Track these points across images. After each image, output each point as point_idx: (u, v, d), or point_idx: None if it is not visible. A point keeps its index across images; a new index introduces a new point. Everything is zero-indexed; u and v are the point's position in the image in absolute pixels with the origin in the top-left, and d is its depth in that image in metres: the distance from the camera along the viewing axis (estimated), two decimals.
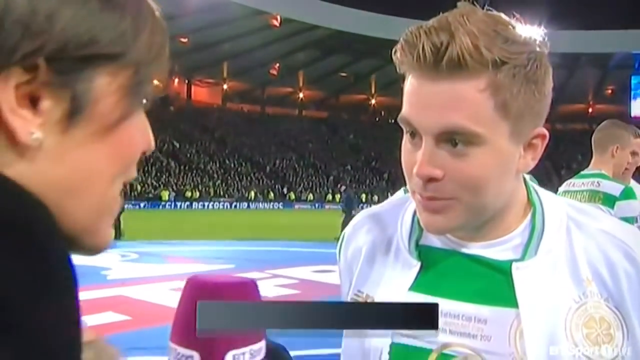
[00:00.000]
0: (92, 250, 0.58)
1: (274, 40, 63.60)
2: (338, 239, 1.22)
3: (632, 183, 3.71)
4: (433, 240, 1.06)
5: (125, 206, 18.99)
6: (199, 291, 0.58)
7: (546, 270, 0.97)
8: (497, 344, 0.95)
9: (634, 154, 3.63)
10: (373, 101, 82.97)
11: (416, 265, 1.04)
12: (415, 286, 1.03)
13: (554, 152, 64.78)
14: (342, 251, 1.18)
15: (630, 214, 3.38)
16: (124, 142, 0.56)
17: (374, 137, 72.28)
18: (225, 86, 74.55)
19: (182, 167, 55.71)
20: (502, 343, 0.95)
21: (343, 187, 26.92)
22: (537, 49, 0.93)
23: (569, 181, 3.80)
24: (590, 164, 3.73)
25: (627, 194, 3.48)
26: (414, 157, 0.94)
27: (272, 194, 57.82)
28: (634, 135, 3.64)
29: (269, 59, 69.28)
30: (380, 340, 1.02)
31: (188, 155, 58.29)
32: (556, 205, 1.04)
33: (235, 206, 52.75)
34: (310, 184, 62.63)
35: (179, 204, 48.95)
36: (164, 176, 52.21)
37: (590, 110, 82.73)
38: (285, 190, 59.72)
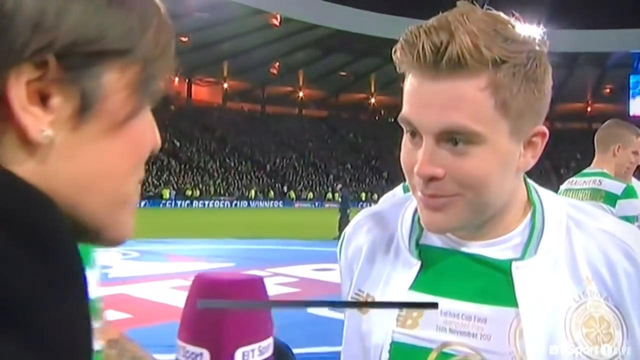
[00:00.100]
0: (113, 242, 0.58)
1: (274, 40, 63.54)
2: (336, 238, 1.23)
3: (634, 181, 3.72)
4: (433, 240, 1.06)
5: None
6: (206, 289, 0.58)
7: (546, 270, 0.97)
8: (496, 343, 0.95)
9: (635, 153, 3.64)
10: (373, 100, 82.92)
11: (416, 264, 1.04)
12: (416, 285, 1.03)
13: (553, 151, 64.73)
14: (342, 250, 1.18)
15: (631, 212, 3.39)
16: (134, 139, 0.56)
17: (373, 136, 72.28)
18: (225, 85, 74.48)
19: (182, 166, 55.68)
20: (502, 342, 0.95)
21: (339, 186, 26.86)
22: (537, 47, 0.93)
23: (570, 179, 3.82)
24: (592, 163, 3.74)
25: (629, 193, 3.50)
26: (414, 157, 0.94)
27: (272, 193, 57.81)
28: (635, 135, 3.65)
29: (269, 58, 69.23)
30: (380, 339, 1.02)
31: (188, 154, 58.26)
32: (556, 204, 1.04)
33: (236, 205, 52.69)
34: (310, 182, 62.59)
35: (179, 202, 48.93)
36: (164, 175, 52.18)
37: (588, 109, 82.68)
38: (285, 188, 59.69)
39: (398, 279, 1.05)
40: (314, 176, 64.07)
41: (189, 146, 59.32)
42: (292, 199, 57.35)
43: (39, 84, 0.49)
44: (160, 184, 50.21)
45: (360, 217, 1.20)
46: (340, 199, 21.92)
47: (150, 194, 47.07)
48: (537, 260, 0.98)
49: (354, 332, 1.08)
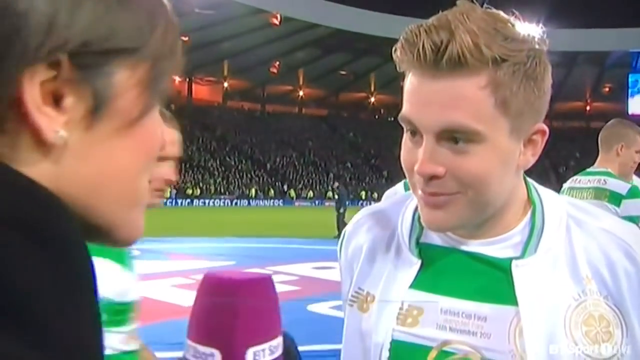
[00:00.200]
0: (124, 242, 0.58)
1: (274, 39, 63.50)
2: (336, 237, 1.23)
3: (635, 179, 3.73)
4: (433, 238, 1.07)
5: None
6: (215, 288, 0.58)
7: (546, 268, 0.97)
8: (496, 341, 0.96)
9: (639, 152, 3.65)
10: (372, 99, 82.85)
11: (417, 263, 1.05)
12: (416, 284, 1.03)
13: (552, 149, 64.68)
14: (342, 249, 1.18)
15: (635, 212, 3.39)
16: (146, 137, 0.56)
17: (373, 134, 72.19)
18: (225, 84, 74.41)
19: (183, 165, 55.61)
20: (502, 340, 0.95)
21: (336, 184, 26.80)
22: (537, 46, 0.94)
23: (574, 177, 3.82)
24: (595, 162, 3.75)
25: (634, 193, 3.51)
26: (414, 155, 0.94)
27: (272, 191, 57.82)
28: (639, 134, 3.65)
29: (269, 57, 69.13)
30: (380, 337, 1.02)
31: (189, 152, 58.12)
32: (556, 203, 1.05)
33: (236, 203, 52.73)
34: (310, 181, 62.58)
35: (180, 201, 48.90)
36: None
37: (587, 108, 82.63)
38: (285, 187, 59.69)
39: (398, 277, 1.05)
40: (314, 175, 64.06)
41: (189, 145, 59.17)
42: (292, 198, 57.37)
43: (53, 85, 0.48)
44: None
45: (361, 216, 1.20)
46: (337, 197, 21.86)
47: None
48: (537, 258, 0.98)
49: (354, 330, 1.09)
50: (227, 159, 61.11)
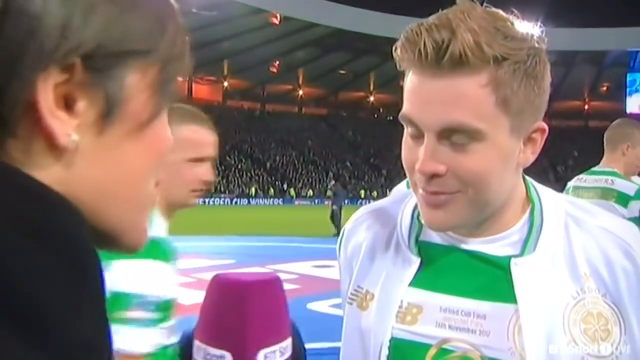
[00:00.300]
0: (132, 247, 0.58)
1: (274, 38, 63.49)
2: (336, 235, 1.23)
3: (635, 179, 3.72)
4: (433, 236, 1.07)
5: None
6: (224, 289, 0.58)
7: (545, 266, 0.98)
8: (496, 339, 0.96)
9: None
10: (372, 98, 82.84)
11: (416, 261, 1.05)
12: (415, 282, 1.03)
13: (550, 148, 64.50)
14: (342, 247, 1.18)
15: None
16: (155, 140, 0.56)
17: (372, 133, 72.18)
18: (225, 84, 74.34)
19: None
20: (501, 338, 0.96)
21: (332, 182, 26.79)
22: (536, 44, 0.94)
23: (579, 176, 3.81)
24: (593, 160, 3.74)
25: None
26: (415, 154, 0.95)
27: (272, 190, 57.80)
28: None
29: (269, 57, 69.12)
30: (380, 335, 1.02)
31: None
32: (555, 201, 1.05)
33: (236, 202, 52.67)
34: (310, 180, 62.54)
35: None
36: None
37: (586, 107, 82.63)
38: (285, 186, 59.67)
39: (398, 275, 1.05)
40: (313, 174, 64.03)
41: None
42: (292, 197, 57.36)
43: (65, 88, 0.48)
44: None
45: (360, 214, 1.20)
46: (333, 196, 21.85)
47: None
48: (535, 257, 0.98)
49: (353, 328, 1.09)
50: (227, 158, 61.03)
